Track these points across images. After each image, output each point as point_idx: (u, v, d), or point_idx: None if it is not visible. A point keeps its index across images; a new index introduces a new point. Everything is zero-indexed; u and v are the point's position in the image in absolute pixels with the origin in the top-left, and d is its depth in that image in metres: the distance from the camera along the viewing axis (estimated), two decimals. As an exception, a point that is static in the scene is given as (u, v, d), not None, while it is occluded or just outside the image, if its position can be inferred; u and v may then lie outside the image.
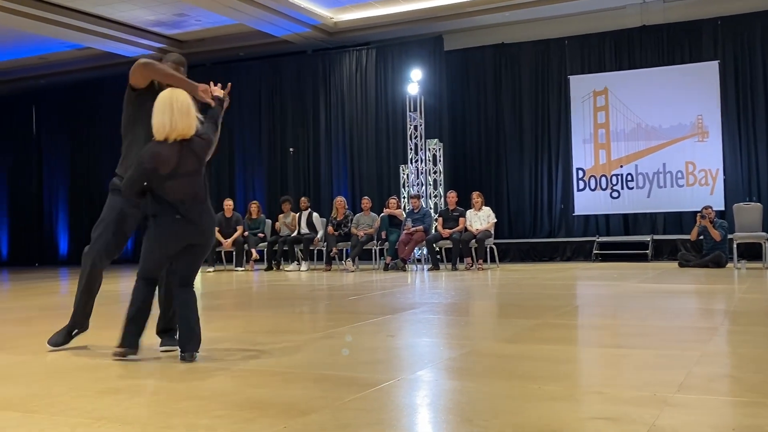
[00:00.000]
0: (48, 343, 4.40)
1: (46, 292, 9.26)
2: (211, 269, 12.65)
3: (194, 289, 4.06)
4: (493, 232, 11.77)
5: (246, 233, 12.98)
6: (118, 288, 9.24)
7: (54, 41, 14.44)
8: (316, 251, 12.98)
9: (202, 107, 4.28)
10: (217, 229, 12.83)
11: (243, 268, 12.71)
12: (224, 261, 13.38)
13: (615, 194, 13.30)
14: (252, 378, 3.46)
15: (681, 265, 10.76)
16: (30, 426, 2.71)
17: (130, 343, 3.97)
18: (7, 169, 18.50)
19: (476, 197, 11.81)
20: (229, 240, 12.80)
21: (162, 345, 4.26)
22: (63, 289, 9.95)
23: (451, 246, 11.66)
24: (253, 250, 12.88)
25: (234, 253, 12.95)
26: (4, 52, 15.53)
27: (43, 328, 5.26)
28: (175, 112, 3.91)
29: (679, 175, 12.89)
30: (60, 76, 16.68)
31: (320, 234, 12.59)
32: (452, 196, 11.98)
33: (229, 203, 13.20)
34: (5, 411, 2.92)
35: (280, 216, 13.16)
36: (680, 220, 12.84)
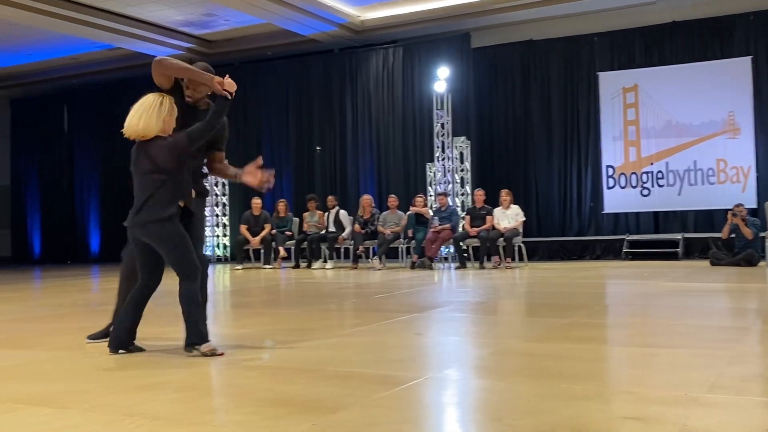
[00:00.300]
0: (87, 337, 4.56)
1: (78, 290, 9.39)
2: (239, 267, 12.75)
3: (187, 283, 4.05)
4: (521, 230, 11.70)
5: (274, 231, 13.05)
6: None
7: (85, 41, 14.64)
8: (343, 249, 13.00)
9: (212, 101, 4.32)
10: (245, 227, 13.09)
11: (271, 266, 12.79)
12: (252, 259, 13.48)
13: (645, 192, 13.16)
14: (281, 375, 3.48)
15: (712, 264, 10.62)
16: (63, 421, 2.75)
17: (123, 345, 4.13)
18: (39, 168, 18.76)
19: (504, 195, 11.74)
20: (257, 238, 12.89)
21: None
22: (95, 287, 10.08)
23: (478, 244, 11.62)
24: (281, 248, 12.94)
25: (262, 251, 13.04)
26: (36, 53, 15.77)
27: (75, 324, 5.35)
28: (133, 112, 4.09)
29: (711, 172, 12.72)
30: (91, 76, 16.91)
31: (346, 232, 12.62)
32: (480, 194, 11.92)
33: (257, 202, 13.28)
34: (39, 407, 2.97)
35: (306, 214, 13.21)
36: (711, 218, 12.66)
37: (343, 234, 12.60)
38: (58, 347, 4.49)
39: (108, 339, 4.27)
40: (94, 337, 4.56)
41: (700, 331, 4.72)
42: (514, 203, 11.84)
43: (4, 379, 3.56)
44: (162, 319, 5.80)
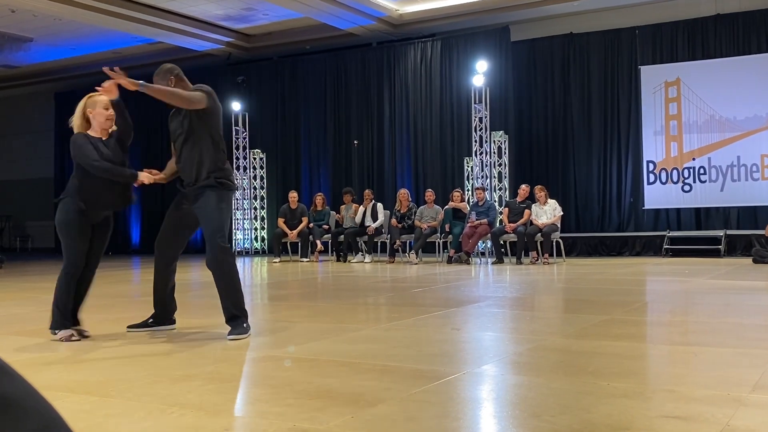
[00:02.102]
0: (127, 326, 4.73)
1: (120, 281, 9.54)
2: (277, 260, 12.86)
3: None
4: (559, 225, 11.60)
5: (311, 225, 13.12)
6: (189, 277, 9.47)
7: (127, 36, 14.85)
8: (379, 243, 13.02)
9: None
10: (282, 220, 13.18)
11: (308, 259, 12.87)
12: (290, 252, 13.57)
13: (687, 188, 12.96)
14: (320, 368, 3.51)
15: (755, 261, 10.43)
16: (106, 410, 2.80)
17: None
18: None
19: (539, 191, 11.57)
20: (295, 231, 12.96)
21: (230, 334, 4.36)
22: (136, 278, 10.24)
23: (515, 239, 11.54)
24: (318, 242, 13.01)
25: (299, 244, 13.12)
26: (79, 48, 16.04)
27: (117, 315, 5.45)
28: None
29: (754, 168, 12.47)
30: (133, 70, 16.85)
31: (378, 222, 12.58)
32: (524, 189, 11.77)
33: (294, 195, 13.37)
34: (83, 395, 3.03)
35: (342, 207, 13.26)
36: (755, 215, 12.43)
37: (374, 224, 12.54)
38: (100, 337, 4.58)
39: (149, 329, 4.40)
40: (134, 326, 4.68)
41: (743, 329, 4.64)
42: (552, 198, 11.73)
43: (48, 368, 3.65)
44: (200, 310, 5.88)
